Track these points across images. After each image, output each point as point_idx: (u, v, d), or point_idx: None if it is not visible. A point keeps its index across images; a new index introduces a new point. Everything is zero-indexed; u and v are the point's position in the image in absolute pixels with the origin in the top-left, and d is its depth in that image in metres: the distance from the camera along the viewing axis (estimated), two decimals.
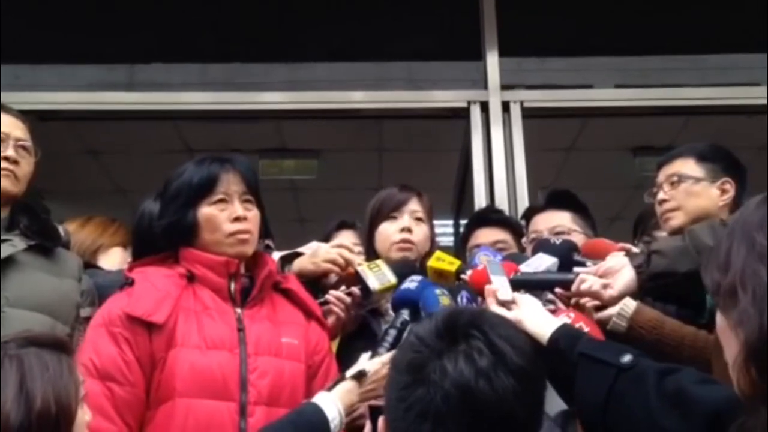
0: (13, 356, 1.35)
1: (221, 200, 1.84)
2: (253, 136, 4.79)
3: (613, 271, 1.68)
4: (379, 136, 4.96)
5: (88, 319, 1.97)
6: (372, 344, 1.93)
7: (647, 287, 1.64)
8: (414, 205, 2.24)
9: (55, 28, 4.04)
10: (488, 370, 1.05)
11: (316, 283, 2.16)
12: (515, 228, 2.58)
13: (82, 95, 3.89)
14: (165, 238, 1.88)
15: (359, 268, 2.06)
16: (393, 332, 1.81)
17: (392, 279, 2.01)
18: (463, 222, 4.05)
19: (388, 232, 2.20)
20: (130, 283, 1.79)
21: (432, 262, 2.06)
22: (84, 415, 1.41)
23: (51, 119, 3.84)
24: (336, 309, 2.04)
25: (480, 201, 3.50)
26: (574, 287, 1.72)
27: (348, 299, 2.05)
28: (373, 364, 1.72)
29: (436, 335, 1.12)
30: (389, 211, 2.22)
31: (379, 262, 2.08)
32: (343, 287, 2.08)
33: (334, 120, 4.19)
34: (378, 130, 4.83)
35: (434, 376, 1.06)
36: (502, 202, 3.38)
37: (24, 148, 2.05)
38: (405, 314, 1.84)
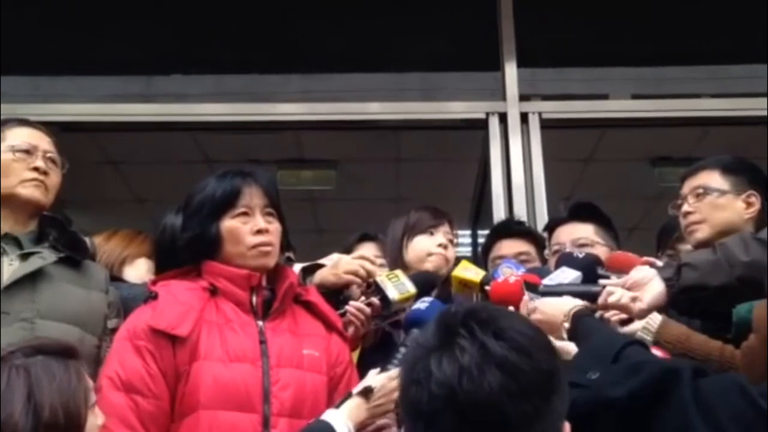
0: (20, 366, 1.36)
1: (243, 213, 1.86)
2: (272, 146, 4.81)
3: (642, 284, 1.66)
4: (396, 146, 4.97)
5: (114, 330, 1.98)
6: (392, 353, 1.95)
7: (677, 301, 1.62)
8: (447, 228, 2.37)
9: (74, 39, 4.09)
10: (471, 367, 1.01)
11: (337, 294, 2.17)
12: (538, 240, 2.57)
13: (102, 107, 3.93)
14: (188, 251, 1.89)
15: (378, 279, 2.07)
16: (403, 350, 1.80)
17: (411, 289, 2.02)
18: (481, 232, 4.06)
19: (424, 244, 2.30)
20: (154, 296, 1.80)
21: (457, 272, 2.07)
22: (96, 419, 1.41)
23: (71, 130, 3.88)
24: (355, 320, 2.05)
25: (499, 211, 3.49)
26: (601, 300, 1.70)
27: (368, 310, 2.05)
28: (379, 379, 1.72)
29: (431, 334, 1.09)
30: (426, 227, 2.33)
31: (397, 272, 2.09)
32: (363, 298, 2.09)
33: (353, 131, 4.20)
34: (396, 140, 4.84)
35: (421, 375, 1.04)
36: (521, 213, 3.38)
37: (52, 160, 2.08)
38: (416, 334, 1.85)
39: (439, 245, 2.29)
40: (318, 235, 6.07)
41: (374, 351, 2.09)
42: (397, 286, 2.03)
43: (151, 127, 4.01)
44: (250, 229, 1.84)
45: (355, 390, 1.70)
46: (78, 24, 4.06)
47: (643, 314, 1.68)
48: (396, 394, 1.69)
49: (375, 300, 2.05)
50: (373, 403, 1.69)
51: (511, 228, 2.68)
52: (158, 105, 3.99)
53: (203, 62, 4.24)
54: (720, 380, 1.26)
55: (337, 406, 1.68)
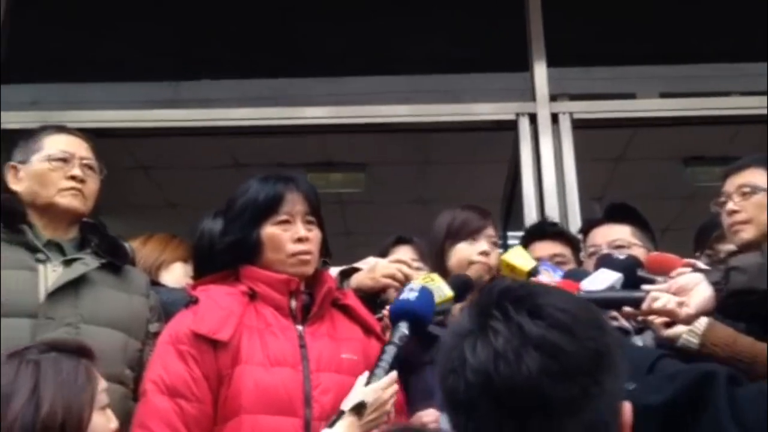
0: (30, 361, 1.37)
1: (285, 221, 1.86)
2: (300, 150, 4.83)
3: (688, 288, 1.63)
4: (425, 148, 4.96)
5: (156, 334, 2.01)
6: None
7: (725, 305, 1.59)
8: (491, 230, 2.28)
9: (102, 47, 4.13)
10: (507, 350, 0.93)
11: (375, 298, 2.16)
12: (573, 241, 2.54)
13: (133, 113, 3.95)
14: (229, 255, 1.90)
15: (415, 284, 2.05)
16: (392, 349, 1.69)
17: (448, 292, 2.01)
18: (511, 234, 4.03)
19: (466, 252, 2.23)
20: (195, 300, 1.82)
21: (508, 256, 2.08)
22: (108, 422, 1.41)
23: (102, 136, 3.92)
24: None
25: (530, 213, 3.46)
26: (645, 305, 1.67)
27: None
28: (370, 393, 1.63)
29: (465, 318, 1.01)
30: (469, 233, 2.25)
31: (433, 275, 2.07)
32: None
33: (381, 133, 4.20)
34: (424, 142, 4.84)
35: (456, 363, 0.97)
36: (552, 214, 3.35)
37: (89, 167, 2.10)
38: (404, 327, 1.73)
39: (481, 253, 2.22)
40: (347, 237, 6.07)
41: (415, 354, 2.07)
42: (434, 290, 2.02)
43: (181, 132, 4.03)
44: (291, 236, 1.85)
45: (346, 406, 1.63)
46: (106, 32, 4.10)
47: (691, 319, 1.65)
48: (390, 405, 1.64)
49: None
50: (367, 419, 1.61)
51: (545, 230, 2.64)
52: (187, 110, 4.01)
53: (230, 67, 4.25)
54: (752, 388, 1.24)
55: (331, 425, 1.62)
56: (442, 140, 4.60)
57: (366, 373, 1.67)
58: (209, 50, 4.22)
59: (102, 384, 1.42)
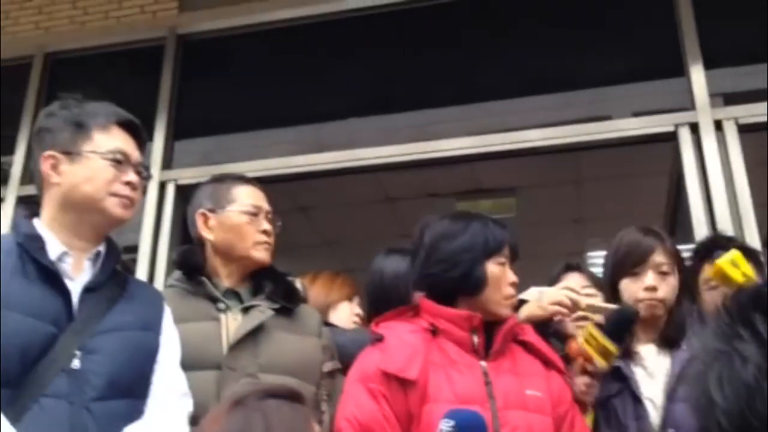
0: (255, 409, 1.42)
1: (502, 263, 1.90)
2: (448, 179, 4.84)
3: None
4: (577, 167, 4.83)
5: (330, 373, 2.05)
6: (624, 386, 1.91)
7: None
8: (659, 257, 2.13)
9: (251, 98, 4.35)
10: (761, 382, 0.72)
11: (545, 327, 2.13)
12: (753, 255, 2.33)
13: (289, 159, 4.10)
14: (453, 288, 1.89)
15: (582, 348, 1.98)
16: None
17: (613, 349, 1.93)
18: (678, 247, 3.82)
19: (631, 289, 2.13)
20: (380, 338, 1.85)
21: (724, 263, 1.94)
22: None
23: (263, 182, 4.11)
24: (586, 398, 1.99)
25: (699, 226, 3.27)
26: None
27: (590, 381, 1.99)
28: None
29: (711, 335, 0.81)
30: (632, 265, 2.13)
31: (591, 329, 1.96)
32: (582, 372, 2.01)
33: (530, 156, 4.13)
34: (576, 161, 4.71)
35: (703, 401, 0.78)
36: (724, 225, 3.16)
37: (271, 221, 2.16)
38: None
39: (647, 289, 2.09)
40: None
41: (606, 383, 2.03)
42: (600, 352, 1.94)
43: (334, 173, 4.15)
44: (507, 279, 1.90)
45: None
46: (253, 84, 4.32)
47: None
48: None
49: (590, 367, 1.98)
50: None
51: (724, 246, 2.47)
52: (339, 152, 4.04)
53: (372, 103, 4.35)
54: None
55: None
56: (595, 157, 4.46)
57: None
58: (351, 91, 4.34)
59: (316, 428, 1.45)
